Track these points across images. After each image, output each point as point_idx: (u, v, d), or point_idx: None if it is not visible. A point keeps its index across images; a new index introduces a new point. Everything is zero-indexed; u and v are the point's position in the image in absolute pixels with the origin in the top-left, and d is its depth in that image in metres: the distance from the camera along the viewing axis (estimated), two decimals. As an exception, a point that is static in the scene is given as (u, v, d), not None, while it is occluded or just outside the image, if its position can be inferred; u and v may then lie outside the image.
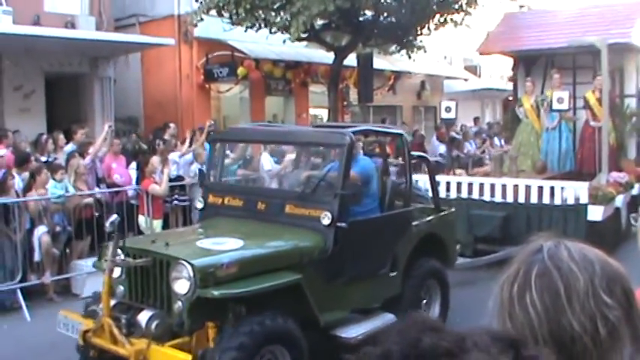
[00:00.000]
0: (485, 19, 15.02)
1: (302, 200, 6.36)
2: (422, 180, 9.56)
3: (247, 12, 13.36)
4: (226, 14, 13.80)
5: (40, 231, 8.96)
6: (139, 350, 4.94)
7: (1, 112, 13.87)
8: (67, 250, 9.53)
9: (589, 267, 1.26)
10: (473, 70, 26.49)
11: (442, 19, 14.77)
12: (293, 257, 5.88)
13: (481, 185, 10.71)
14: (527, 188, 10.35)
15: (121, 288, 5.59)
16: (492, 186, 10.61)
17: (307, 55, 17.67)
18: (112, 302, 5.45)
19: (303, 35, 13.49)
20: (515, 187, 10.45)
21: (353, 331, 6.20)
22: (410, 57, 15.77)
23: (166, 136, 12.73)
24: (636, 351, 1.27)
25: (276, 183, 10.32)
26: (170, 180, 10.41)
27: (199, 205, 7.13)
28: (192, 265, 5.10)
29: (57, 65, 14.47)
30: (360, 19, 14.50)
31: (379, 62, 17.40)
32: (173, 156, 11.32)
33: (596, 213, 9.96)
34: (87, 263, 8.67)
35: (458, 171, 12.37)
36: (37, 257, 8.94)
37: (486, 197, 10.57)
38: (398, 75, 21.06)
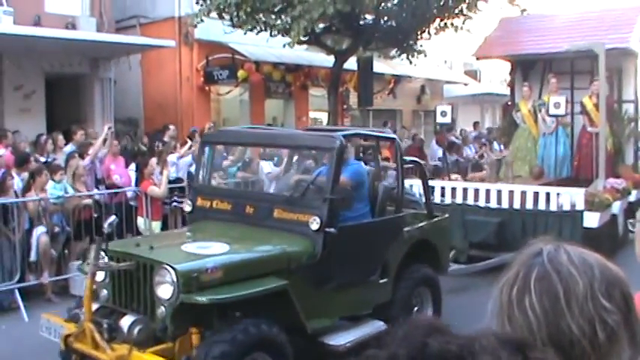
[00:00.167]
0: (486, 23, 14.98)
1: (291, 204, 6.28)
2: (416, 185, 9.50)
3: (248, 15, 13.37)
4: (227, 17, 13.81)
5: (39, 231, 8.96)
6: (120, 356, 4.86)
7: (2, 112, 13.92)
8: (66, 251, 9.52)
9: (588, 271, 1.26)
10: (473, 74, 26.49)
11: (442, 24, 14.77)
12: (280, 262, 5.80)
13: (476, 191, 10.63)
14: (523, 194, 10.24)
15: (105, 292, 5.53)
16: (488, 191, 10.52)
17: (307, 59, 17.69)
18: (95, 306, 5.39)
19: (304, 38, 13.49)
20: (511, 192, 10.35)
21: (341, 339, 6.11)
22: (411, 62, 15.77)
23: (166, 138, 12.76)
24: (634, 355, 1.27)
25: (272, 186, 10.27)
26: (169, 182, 10.40)
27: (187, 207, 7.05)
28: (175, 269, 5.03)
29: (57, 66, 14.51)
30: (361, 22, 14.50)
31: (379, 66, 17.42)
32: (172, 158, 11.31)
33: (592, 219, 9.86)
34: (85, 264, 8.68)
35: (453, 176, 12.31)
36: (32, 257, 8.93)
37: (481, 203, 10.48)
38: (398, 79, 21.07)
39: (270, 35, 13.83)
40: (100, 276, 5.51)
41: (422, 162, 8.93)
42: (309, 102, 19.69)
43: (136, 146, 13.59)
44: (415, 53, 15.42)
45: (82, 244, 9.57)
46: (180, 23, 16.32)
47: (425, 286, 7.37)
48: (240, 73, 16.34)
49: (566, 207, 9.99)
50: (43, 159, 10.64)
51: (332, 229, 6.00)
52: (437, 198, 10.51)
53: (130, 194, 10.38)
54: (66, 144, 11.53)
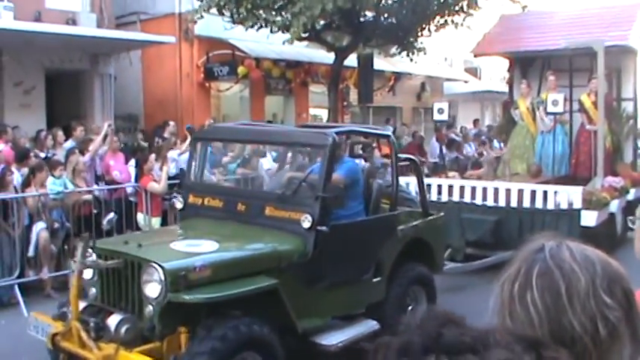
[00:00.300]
0: (487, 20, 14.94)
1: (282, 202, 6.21)
2: (413, 183, 9.47)
3: (248, 11, 13.38)
4: (227, 13, 13.81)
5: (39, 227, 8.99)
6: (107, 355, 4.81)
7: (2, 107, 13.95)
8: (65, 247, 9.52)
9: (590, 267, 1.27)
10: (473, 72, 26.45)
11: (443, 21, 14.74)
12: (271, 261, 5.74)
13: (473, 189, 10.57)
14: (520, 192, 10.18)
15: (94, 290, 5.49)
16: (484, 189, 10.46)
17: (308, 55, 17.66)
18: (83, 305, 5.34)
19: (304, 35, 13.48)
20: (508, 190, 10.28)
21: (333, 338, 6.04)
22: (411, 59, 15.75)
23: (166, 134, 12.76)
24: (635, 351, 1.28)
25: (266, 183, 10.22)
26: (169, 178, 10.39)
27: (179, 205, 6.98)
28: (162, 267, 4.98)
29: (57, 61, 14.52)
30: (361, 19, 14.47)
31: (379, 63, 17.39)
32: (173, 154, 11.31)
33: (589, 218, 9.81)
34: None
35: (451, 173, 12.27)
36: (30, 252, 8.95)
37: (478, 201, 10.42)
38: (398, 76, 21.03)
39: (271, 32, 13.81)
40: (89, 274, 5.47)
41: (420, 159, 8.89)
42: (309, 99, 19.66)
43: (135, 142, 13.60)
44: (415, 50, 15.39)
45: (82, 241, 9.61)
46: (181, 19, 16.31)
47: (419, 285, 7.30)
48: (241, 70, 16.31)
49: (564, 205, 9.92)
50: (42, 154, 10.65)
51: (324, 228, 5.93)
52: (434, 196, 10.46)
53: (129, 190, 10.37)
54: (66, 140, 11.54)
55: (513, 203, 10.19)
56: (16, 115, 13.42)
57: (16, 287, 8.61)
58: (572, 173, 12.28)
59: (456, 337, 0.95)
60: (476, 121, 21.64)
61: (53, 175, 9.30)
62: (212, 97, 17.33)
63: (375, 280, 6.75)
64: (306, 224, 5.93)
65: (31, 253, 8.96)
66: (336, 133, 6.37)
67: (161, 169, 10.22)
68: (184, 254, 5.41)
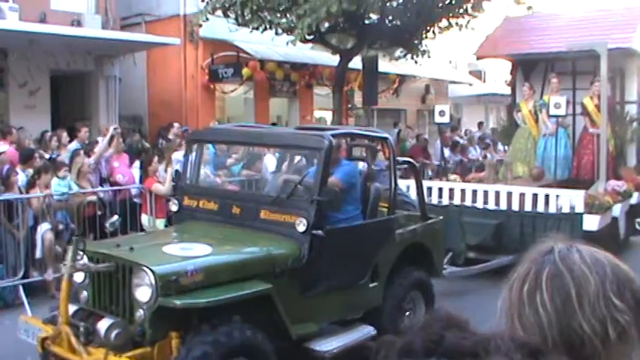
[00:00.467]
0: (492, 22, 14.90)
1: (277, 205, 6.13)
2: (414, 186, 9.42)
3: (253, 13, 13.36)
4: (232, 15, 13.81)
5: (44, 228, 9.01)
6: (96, 360, 4.76)
7: (7, 108, 14.01)
8: (70, 248, 9.58)
9: (600, 270, 1.27)
10: (477, 75, 26.39)
11: (447, 23, 14.70)
12: (265, 265, 5.66)
13: (474, 192, 10.52)
14: (522, 196, 10.11)
15: (85, 293, 5.44)
16: (486, 193, 10.41)
17: (312, 57, 17.64)
18: (74, 308, 5.29)
19: (309, 37, 13.47)
20: (509, 194, 10.22)
21: (329, 345, 5.96)
22: (415, 62, 15.71)
23: (170, 136, 12.77)
24: None
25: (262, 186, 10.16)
26: (173, 179, 10.38)
27: (174, 207, 6.92)
28: (153, 271, 4.93)
29: (62, 63, 14.54)
30: (366, 22, 14.43)
31: (384, 65, 17.34)
32: (177, 155, 11.30)
33: (591, 222, 9.71)
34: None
35: (452, 177, 12.22)
36: (38, 254, 8.99)
37: (479, 204, 10.37)
38: (402, 78, 21.01)
39: (276, 34, 13.79)
40: (80, 277, 5.42)
41: (421, 162, 8.83)
42: (313, 101, 19.64)
43: (139, 143, 13.61)
44: (420, 53, 15.35)
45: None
46: (186, 21, 16.32)
47: (417, 290, 7.19)
48: (245, 72, 16.32)
49: (566, 209, 9.85)
50: (47, 156, 10.68)
51: (319, 232, 5.86)
52: (434, 199, 10.42)
53: (134, 192, 10.38)
54: (70, 141, 11.56)
55: (515, 207, 10.12)
56: (21, 116, 13.46)
57: (21, 288, 8.65)
58: (574, 177, 12.20)
59: (457, 341, 0.96)
60: (480, 124, 21.60)
61: (58, 177, 9.32)
62: (217, 98, 17.34)
63: (371, 285, 6.66)
64: (301, 228, 5.86)
65: (38, 254, 8.99)
66: (333, 135, 6.26)
67: (165, 170, 10.22)
68: (176, 258, 5.35)
